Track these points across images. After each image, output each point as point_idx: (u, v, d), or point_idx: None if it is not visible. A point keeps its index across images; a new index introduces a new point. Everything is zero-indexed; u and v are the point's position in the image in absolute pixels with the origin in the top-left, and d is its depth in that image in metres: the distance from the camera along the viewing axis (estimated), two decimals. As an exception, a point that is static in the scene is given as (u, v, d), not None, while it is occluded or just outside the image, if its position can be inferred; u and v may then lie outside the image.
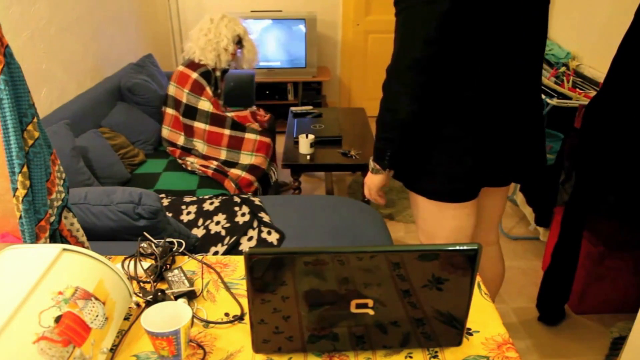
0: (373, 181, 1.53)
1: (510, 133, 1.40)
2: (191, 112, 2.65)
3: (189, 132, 2.68)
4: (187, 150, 2.69)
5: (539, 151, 1.50)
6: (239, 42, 2.78)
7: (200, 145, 2.67)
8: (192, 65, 2.68)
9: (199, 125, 2.65)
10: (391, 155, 1.42)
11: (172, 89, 2.71)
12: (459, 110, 1.35)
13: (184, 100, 2.65)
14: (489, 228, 1.73)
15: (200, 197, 2.25)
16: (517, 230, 2.91)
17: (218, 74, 2.77)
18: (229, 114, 2.69)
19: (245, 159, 2.65)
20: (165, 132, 2.74)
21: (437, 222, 1.53)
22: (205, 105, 2.64)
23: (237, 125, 2.66)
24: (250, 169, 2.62)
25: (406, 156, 1.45)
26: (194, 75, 2.65)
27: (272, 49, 4.08)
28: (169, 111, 2.73)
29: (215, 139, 2.65)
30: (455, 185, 1.43)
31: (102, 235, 1.60)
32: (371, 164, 1.51)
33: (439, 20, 1.23)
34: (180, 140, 2.69)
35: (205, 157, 2.66)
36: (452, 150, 1.38)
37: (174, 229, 1.68)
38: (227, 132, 2.64)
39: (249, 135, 2.67)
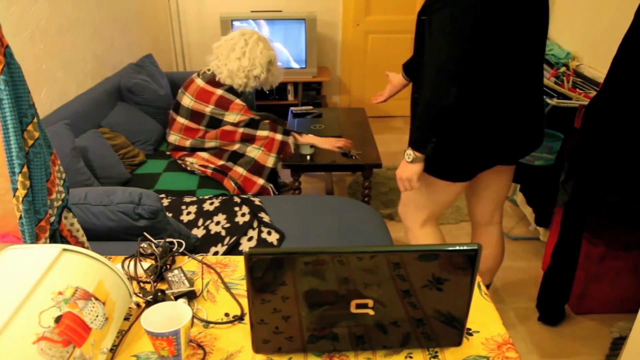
0: (413, 170, 1.59)
1: (516, 118, 1.57)
2: (216, 123, 2.55)
3: (203, 135, 2.61)
4: (191, 150, 2.65)
5: (539, 132, 1.66)
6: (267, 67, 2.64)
7: (212, 143, 2.62)
8: (214, 82, 2.53)
9: (220, 128, 2.57)
10: (436, 141, 1.53)
11: (188, 101, 2.56)
12: (474, 100, 1.51)
13: (208, 113, 2.53)
14: (495, 207, 1.88)
15: (200, 197, 2.25)
16: (517, 230, 2.91)
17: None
18: (240, 129, 2.56)
19: (252, 151, 2.58)
20: (173, 137, 2.65)
21: (430, 196, 1.73)
22: (230, 117, 2.52)
23: (250, 124, 2.56)
24: (253, 166, 2.56)
25: (447, 141, 1.57)
26: (219, 91, 2.50)
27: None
28: (181, 120, 2.61)
29: (228, 136, 2.57)
30: (463, 166, 1.62)
31: (102, 235, 1.60)
32: (410, 154, 1.57)
33: (472, 19, 1.38)
34: (187, 143, 2.64)
35: (214, 153, 2.61)
36: (464, 135, 1.55)
37: (174, 229, 1.68)
38: (240, 129, 2.56)
39: (260, 133, 2.58)
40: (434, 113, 1.47)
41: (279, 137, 2.57)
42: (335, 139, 2.60)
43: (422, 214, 1.82)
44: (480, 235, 1.95)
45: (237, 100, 2.53)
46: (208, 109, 2.52)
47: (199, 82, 2.56)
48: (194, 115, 2.57)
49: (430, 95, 1.46)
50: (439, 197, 1.73)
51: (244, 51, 2.53)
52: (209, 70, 2.58)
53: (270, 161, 2.55)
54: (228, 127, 2.54)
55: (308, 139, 2.62)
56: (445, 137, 1.57)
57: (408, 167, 1.59)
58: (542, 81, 1.62)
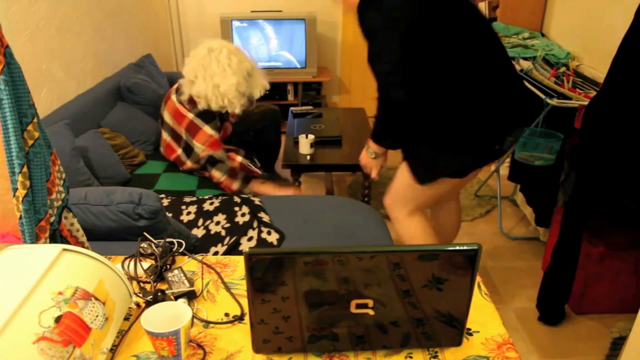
0: (374, 163, 1.85)
1: (491, 108, 1.65)
2: (189, 150, 2.45)
3: (181, 162, 2.54)
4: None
5: (523, 111, 1.74)
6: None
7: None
8: (188, 102, 2.39)
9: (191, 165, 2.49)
10: (394, 138, 1.71)
11: (167, 118, 2.47)
12: (454, 110, 1.62)
13: (184, 137, 2.44)
14: (459, 190, 2.08)
15: (200, 197, 2.25)
16: (517, 230, 2.91)
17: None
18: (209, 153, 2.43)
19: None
20: (162, 149, 2.65)
21: (422, 190, 1.82)
22: (197, 149, 2.40)
23: (209, 162, 2.43)
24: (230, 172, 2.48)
25: (404, 138, 1.75)
26: (190, 115, 2.36)
27: (272, 49, 4.08)
28: (165, 135, 2.54)
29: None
30: (462, 163, 1.72)
31: (102, 235, 1.60)
32: (373, 149, 1.74)
33: (400, 34, 1.50)
34: (172, 158, 2.63)
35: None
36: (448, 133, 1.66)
37: (174, 229, 1.68)
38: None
39: (215, 173, 2.44)
40: (387, 113, 1.63)
41: (235, 186, 2.44)
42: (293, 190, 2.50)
43: (409, 206, 1.89)
44: (441, 210, 2.11)
45: (205, 128, 2.37)
46: (183, 132, 2.43)
47: (174, 99, 2.42)
48: (175, 136, 2.50)
49: (383, 99, 1.62)
50: (430, 192, 1.83)
51: (215, 72, 2.32)
52: (184, 92, 2.40)
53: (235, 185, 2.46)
54: (192, 165, 2.47)
55: (265, 189, 2.47)
56: (434, 136, 1.69)
57: (368, 160, 1.84)
58: (510, 65, 1.69)
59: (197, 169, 2.52)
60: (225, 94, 2.33)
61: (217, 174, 2.42)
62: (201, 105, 2.36)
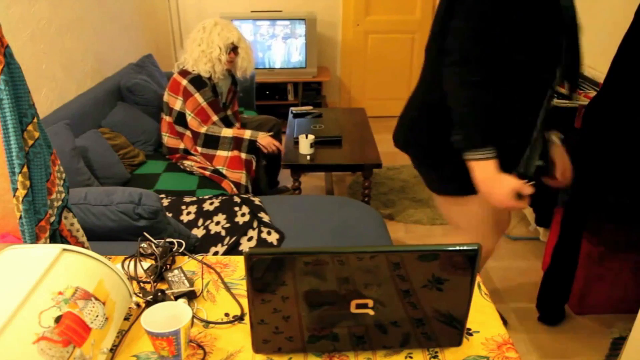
0: (502, 182, 1.28)
1: None
2: (183, 119, 2.60)
3: (181, 138, 2.66)
4: (188, 153, 2.67)
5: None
6: (234, 49, 2.63)
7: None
8: (184, 72, 2.60)
9: (188, 133, 2.61)
10: (485, 126, 1.29)
11: (166, 96, 2.65)
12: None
13: (177, 107, 2.59)
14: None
15: (200, 197, 2.25)
16: (517, 230, 2.91)
17: (219, 80, 2.66)
18: (202, 130, 2.58)
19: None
20: (165, 139, 2.70)
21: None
22: (188, 116, 2.57)
23: (207, 143, 2.59)
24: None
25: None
26: (184, 82, 2.57)
27: (272, 49, 4.08)
28: (166, 118, 2.67)
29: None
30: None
31: (102, 235, 1.60)
32: (473, 154, 1.28)
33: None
34: (182, 145, 2.67)
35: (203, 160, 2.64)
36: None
37: (174, 229, 1.68)
38: (199, 149, 2.61)
39: (220, 153, 2.59)
40: (467, 100, 1.31)
41: (243, 155, 2.60)
42: (272, 140, 2.63)
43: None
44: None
45: (196, 95, 2.56)
46: (178, 102, 2.59)
47: (174, 74, 2.64)
48: (166, 108, 2.64)
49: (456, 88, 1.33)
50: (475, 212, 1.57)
51: (202, 37, 2.57)
52: (180, 66, 2.66)
53: (243, 179, 2.56)
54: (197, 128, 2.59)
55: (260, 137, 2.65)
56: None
57: (486, 176, 1.28)
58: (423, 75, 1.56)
59: (199, 161, 2.61)
60: (209, 58, 2.55)
61: (223, 154, 2.58)
62: (191, 69, 2.59)
